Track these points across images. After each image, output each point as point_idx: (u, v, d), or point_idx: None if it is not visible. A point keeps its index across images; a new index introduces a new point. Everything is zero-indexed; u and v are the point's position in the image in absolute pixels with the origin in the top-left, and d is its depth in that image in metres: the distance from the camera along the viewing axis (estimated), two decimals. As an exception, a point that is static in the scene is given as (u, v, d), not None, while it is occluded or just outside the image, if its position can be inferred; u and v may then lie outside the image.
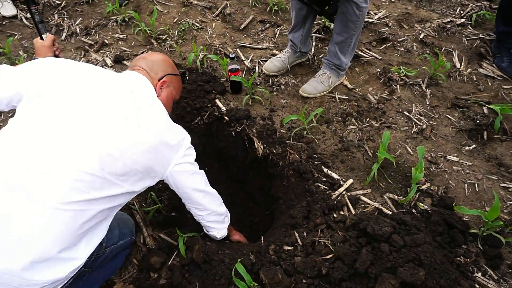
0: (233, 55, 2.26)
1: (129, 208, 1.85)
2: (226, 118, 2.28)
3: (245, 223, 2.38)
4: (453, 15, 2.98)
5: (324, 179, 1.93)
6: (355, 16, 2.06)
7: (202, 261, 1.61)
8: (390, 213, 1.77)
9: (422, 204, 1.81)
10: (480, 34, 2.78)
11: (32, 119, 1.12)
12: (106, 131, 1.15)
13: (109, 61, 2.71)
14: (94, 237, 1.19)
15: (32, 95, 1.16)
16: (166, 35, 2.94)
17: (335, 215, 1.77)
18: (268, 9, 3.13)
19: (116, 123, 1.16)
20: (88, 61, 2.73)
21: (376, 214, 1.76)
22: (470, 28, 2.86)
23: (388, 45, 2.76)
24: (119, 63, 2.71)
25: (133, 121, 1.19)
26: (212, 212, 1.60)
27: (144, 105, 1.27)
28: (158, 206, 1.83)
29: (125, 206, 1.85)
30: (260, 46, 2.80)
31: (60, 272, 1.08)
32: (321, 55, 2.68)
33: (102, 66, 2.68)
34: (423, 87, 2.42)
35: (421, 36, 2.80)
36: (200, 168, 1.55)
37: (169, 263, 1.65)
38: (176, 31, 2.97)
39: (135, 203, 1.85)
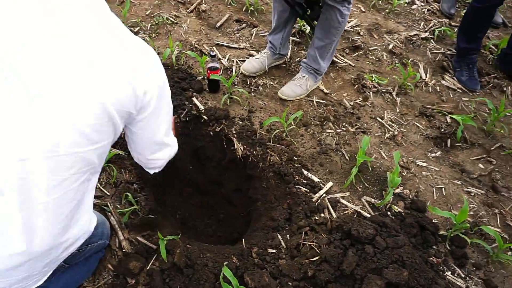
0: (214, 53, 2.21)
1: (102, 210, 1.73)
2: (205, 117, 2.22)
3: (219, 224, 2.34)
4: (418, 29, 3.17)
5: (305, 181, 1.95)
6: (337, 22, 2.12)
7: (184, 265, 1.55)
8: (368, 215, 1.83)
9: (396, 207, 1.90)
10: (442, 49, 2.99)
11: None
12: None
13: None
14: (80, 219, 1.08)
15: None
16: (138, 28, 2.80)
17: (316, 218, 1.79)
18: (244, 9, 3.11)
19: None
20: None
21: (355, 216, 1.82)
22: (433, 42, 3.06)
23: (360, 53, 2.87)
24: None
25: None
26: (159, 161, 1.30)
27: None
28: (134, 207, 1.73)
29: (99, 207, 1.73)
30: (237, 46, 2.77)
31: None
32: (297, 59, 2.71)
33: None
34: (394, 95, 2.54)
35: (390, 46, 2.94)
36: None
37: (148, 268, 1.57)
38: (149, 24, 2.84)
39: (109, 204, 1.73)
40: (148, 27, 2.82)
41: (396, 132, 2.28)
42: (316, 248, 1.59)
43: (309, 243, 1.62)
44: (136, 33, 2.76)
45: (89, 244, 1.31)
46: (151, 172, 1.40)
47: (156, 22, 2.84)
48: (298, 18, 2.41)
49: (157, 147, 1.22)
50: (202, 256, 1.61)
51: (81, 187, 0.97)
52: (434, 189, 2.03)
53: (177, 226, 2.10)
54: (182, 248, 1.60)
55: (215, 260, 1.59)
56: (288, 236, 1.71)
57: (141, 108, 0.97)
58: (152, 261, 1.59)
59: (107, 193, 1.79)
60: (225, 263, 1.51)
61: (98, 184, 1.80)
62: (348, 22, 3.12)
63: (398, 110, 2.45)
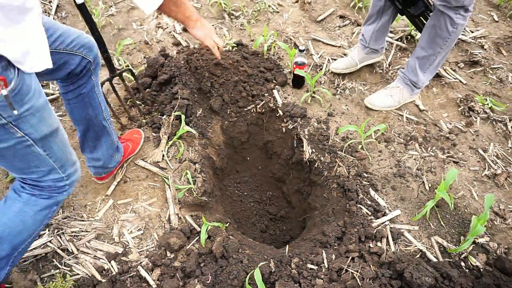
0: (303, 48, 2.11)
1: (162, 181, 1.83)
2: (280, 112, 2.15)
3: (274, 222, 2.29)
4: None
5: (369, 202, 1.76)
6: (446, 32, 1.81)
7: (221, 255, 1.55)
8: (435, 260, 1.57)
9: (474, 260, 1.59)
10: None
11: None
12: None
13: (178, 28, 2.69)
14: None
15: None
16: (240, 12, 2.85)
17: (371, 245, 1.60)
18: (351, 5, 2.90)
19: None
20: (159, 23, 2.72)
21: (417, 257, 1.58)
22: None
23: (478, 69, 2.44)
24: (187, 31, 2.67)
25: None
26: None
27: None
28: (191, 186, 1.78)
29: (161, 178, 1.83)
30: (333, 43, 2.61)
31: None
32: (398, 66, 2.43)
33: (171, 32, 2.66)
34: (509, 127, 2.10)
35: (521, 67, 2.43)
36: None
37: (188, 247, 1.61)
38: (251, 10, 2.86)
39: (170, 177, 1.82)
40: (250, 13, 2.84)
41: (499, 171, 1.89)
42: (358, 279, 1.42)
43: (352, 271, 1.46)
44: (236, 18, 2.81)
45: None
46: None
47: (258, 8, 2.84)
48: (399, 13, 2.12)
49: None
50: (240, 251, 1.59)
51: None
52: (534, 251, 1.63)
53: (230, 214, 2.12)
54: (222, 237, 1.60)
55: (251, 259, 1.56)
56: (333, 256, 1.57)
57: None
58: (193, 242, 1.63)
59: (171, 166, 1.88)
60: (258, 265, 1.45)
61: (166, 157, 1.90)
62: (471, 32, 2.67)
63: (510, 145, 2.02)
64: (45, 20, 1.17)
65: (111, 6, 2.84)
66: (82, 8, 1.47)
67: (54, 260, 1.56)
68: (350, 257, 1.54)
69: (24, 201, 1.24)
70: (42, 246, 1.59)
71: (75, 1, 1.44)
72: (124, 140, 1.89)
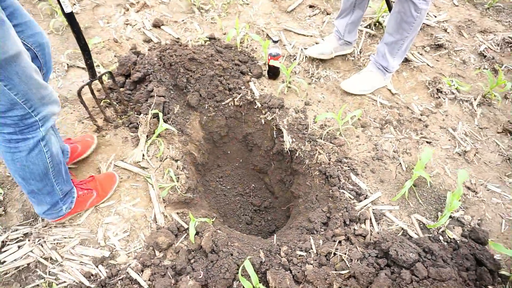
0: (277, 39, 2.12)
1: (145, 181, 1.80)
2: (258, 104, 2.17)
3: (259, 213, 2.31)
4: (521, 31, 2.71)
5: (351, 187, 1.81)
6: (411, 17, 1.88)
7: (210, 250, 1.55)
8: (416, 236, 1.65)
9: (451, 233, 1.68)
10: (549, 57, 2.52)
11: None
12: None
13: (148, 24, 2.62)
14: None
15: None
16: (210, 6, 2.81)
17: (355, 228, 1.66)
18: (320, -6, 2.94)
19: None
20: (127, 20, 2.65)
21: (400, 235, 1.65)
22: (538, 48, 2.60)
23: (443, 52, 2.55)
24: (158, 27, 2.62)
25: None
26: None
27: None
28: (174, 184, 1.77)
29: (143, 178, 1.80)
30: (305, 33, 2.64)
31: None
32: (368, 53, 2.50)
33: (140, 29, 2.59)
34: (474, 105, 2.22)
35: (481, 48, 2.56)
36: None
37: (176, 245, 1.60)
38: (221, 3, 2.83)
39: (152, 176, 1.80)
40: (220, 6, 2.82)
41: (468, 148, 2.00)
42: (347, 261, 1.47)
43: (341, 254, 1.51)
44: (206, 11, 2.78)
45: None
46: None
47: (228, 1, 2.82)
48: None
49: None
50: (230, 244, 1.60)
51: None
52: (504, 220, 1.75)
53: (215, 209, 2.12)
54: (211, 232, 1.61)
55: (241, 251, 1.57)
56: (321, 242, 1.62)
57: None
58: (181, 239, 1.62)
59: (153, 165, 1.85)
60: (248, 257, 1.47)
61: (146, 156, 1.87)
62: (435, 17, 2.78)
63: (476, 123, 2.14)
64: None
65: (74, 4, 2.73)
66: (70, 17, 1.40)
67: (37, 270, 1.50)
68: (337, 241, 1.59)
69: (8, 151, 1.18)
70: (23, 257, 1.53)
71: (62, 10, 1.38)
72: (73, 142, 1.80)
